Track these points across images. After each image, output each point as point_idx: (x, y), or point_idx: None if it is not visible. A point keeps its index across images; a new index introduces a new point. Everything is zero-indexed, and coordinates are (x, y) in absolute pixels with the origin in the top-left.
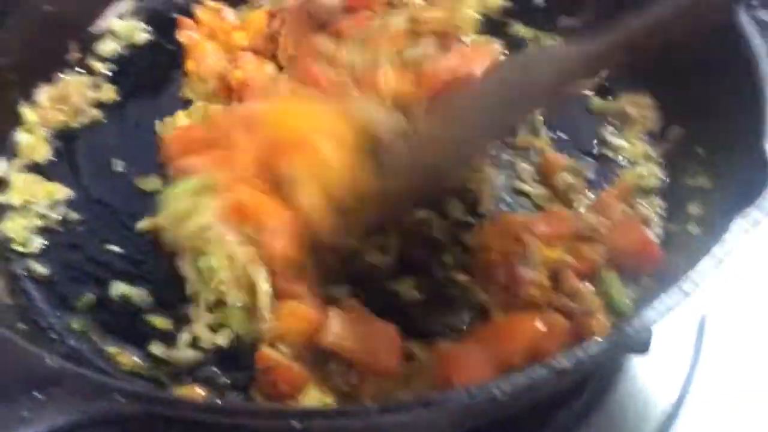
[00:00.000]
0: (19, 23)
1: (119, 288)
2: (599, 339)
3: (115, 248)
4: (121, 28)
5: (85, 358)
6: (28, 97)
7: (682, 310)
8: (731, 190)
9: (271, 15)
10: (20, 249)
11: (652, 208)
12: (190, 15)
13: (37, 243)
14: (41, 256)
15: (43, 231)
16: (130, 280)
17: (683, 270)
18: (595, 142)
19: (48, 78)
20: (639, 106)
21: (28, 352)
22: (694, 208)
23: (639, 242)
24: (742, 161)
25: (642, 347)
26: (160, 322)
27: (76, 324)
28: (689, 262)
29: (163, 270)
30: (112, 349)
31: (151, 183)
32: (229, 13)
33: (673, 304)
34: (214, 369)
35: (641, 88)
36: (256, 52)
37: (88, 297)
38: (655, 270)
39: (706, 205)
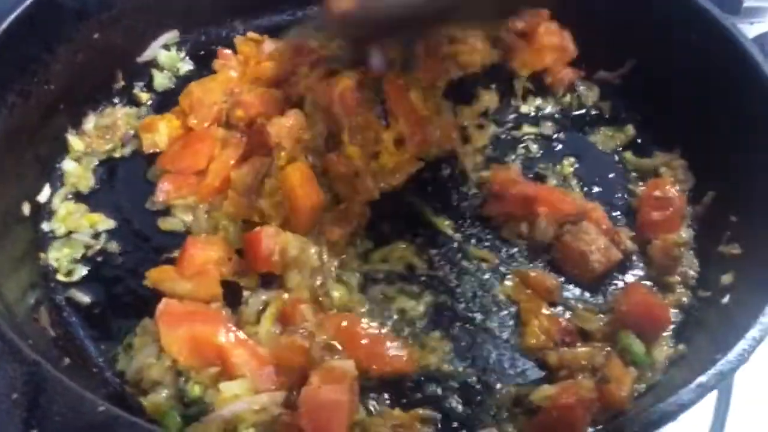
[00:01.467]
0: (68, 52)
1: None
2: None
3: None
4: (166, 59)
5: (127, 396)
6: (75, 125)
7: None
8: (763, 259)
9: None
10: (63, 279)
11: (682, 273)
12: (232, 47)
13: (81, 272)
14: (83, 285)
15: (86, 260)
16: None
17: (714, 346)
18: (625, 195)
19: (95, 107)
20: (671, 167)
21: (81, 397)
22: (726, 277)
23: (645, 305)
24: None
25: None
26: None
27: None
28: (720, 338)
29: None
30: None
31: (169, 223)
32: (268, 45)
33: (706, 385)
34: None
35: (676, 148)
36: (276, 83)
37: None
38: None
39: (736, 274)
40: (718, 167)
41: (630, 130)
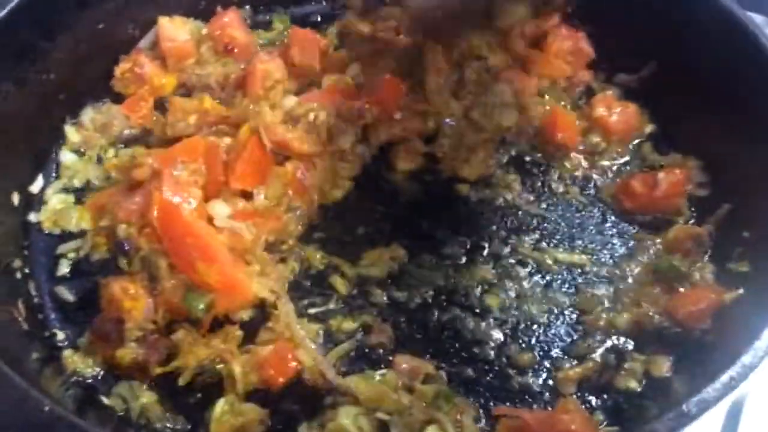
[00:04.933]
0: (69, 41)
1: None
2: None
3: None
4: None
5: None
6: (74, 116)
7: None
8: None
9: None
10: (47, 273)
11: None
12: None
13: (64, 269)
14: (67, 281)
15: (71, 257)
16: None
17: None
18: None
19: (96, 99)
20: (686, 166)
21: (26, 395)
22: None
23: None
24: None
25: None
26: None
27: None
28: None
29: None
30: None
31: None
32: None
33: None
34: None
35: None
36: None
37: None
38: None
39: (746, 289)
40: (736, 179)
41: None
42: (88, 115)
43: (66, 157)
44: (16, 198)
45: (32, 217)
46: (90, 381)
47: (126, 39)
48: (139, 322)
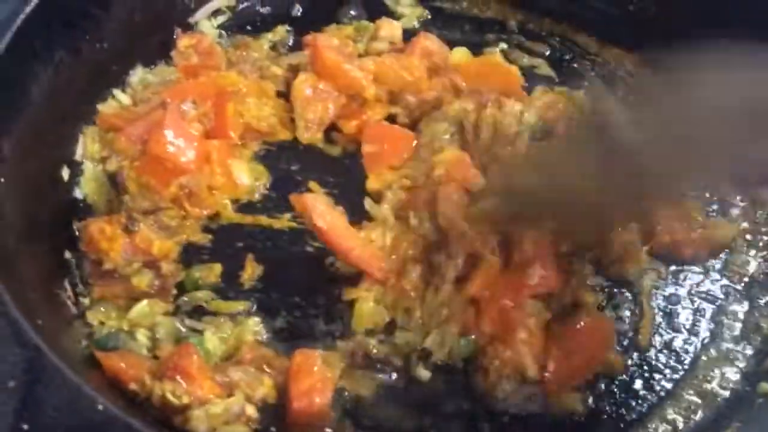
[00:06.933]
0: (124, 10)
1: None
2: None
3: None
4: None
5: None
6: (124, 84)
7: None
8: None
9: None
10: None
11: None
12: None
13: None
14: None
15: None
16: None
17: None
18: None
19: (146, 66)
20: None
21: (79, 392)
22: None
23: None
24: None
25: None
26: None
27: None
28: None
29: None
30: None
31: None
32: None
33: None
34: None
35: None
36: None
37: None
38: None
39: None
40: None
41: None
42: (137, 75)
43: None
44: (65, 173)
45: (77, 193)
46: None
47: (181, 9)
48: (118, 262)
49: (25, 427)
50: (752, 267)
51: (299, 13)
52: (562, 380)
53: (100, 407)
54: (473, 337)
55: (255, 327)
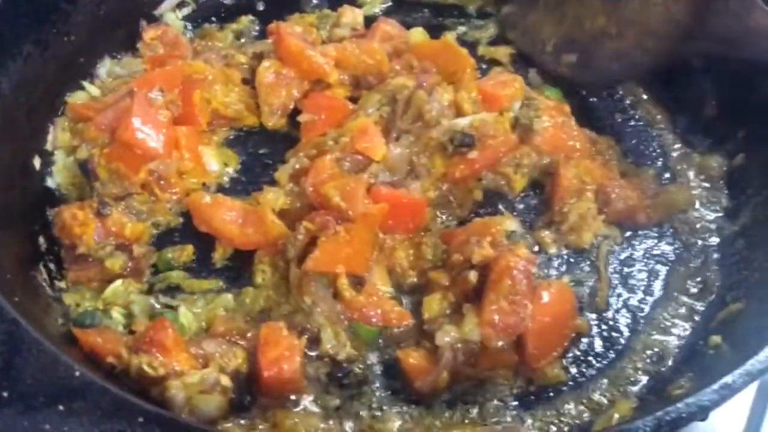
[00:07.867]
0: (91, 3)
1: None
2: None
3: None
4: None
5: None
6: (92, 76)
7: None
8: None
9: None
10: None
11: None
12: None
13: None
14: None
15: None
16: None
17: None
18: None
19: (113, 57)
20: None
21: (56, 361)
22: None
23: None
24: None
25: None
26: None
27: None
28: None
29: None
30: None
31: None
32: None
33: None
34: None
35: None
36: None
37: None
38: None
39: None
40: None
41: None
42: (105, 67)
43: None
44: (37, 162)
45: (50, 182)
46: None
47: (147, 1)
48: (91, 245)
49: (5, 394)
50: (703, 228)
51: (262, 8)
52: (544, 353)
53: (77, 374)
54: None
55: (227, 304)
